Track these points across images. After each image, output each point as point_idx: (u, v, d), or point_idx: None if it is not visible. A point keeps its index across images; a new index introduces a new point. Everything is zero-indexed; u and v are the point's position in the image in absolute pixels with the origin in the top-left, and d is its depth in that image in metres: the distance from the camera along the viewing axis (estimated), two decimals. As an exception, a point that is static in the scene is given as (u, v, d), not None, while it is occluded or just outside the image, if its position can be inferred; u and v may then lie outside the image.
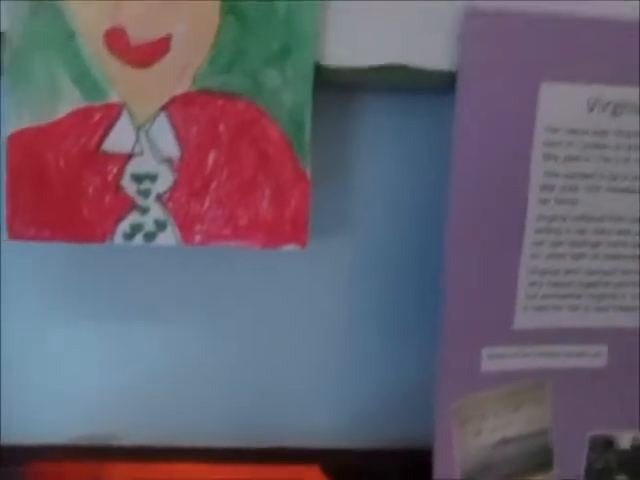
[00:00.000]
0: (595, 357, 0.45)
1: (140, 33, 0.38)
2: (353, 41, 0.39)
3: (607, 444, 0.47)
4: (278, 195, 0.41)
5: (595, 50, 0.40)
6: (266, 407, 0.48)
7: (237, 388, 0.48)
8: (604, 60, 0.40)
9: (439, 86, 0.40)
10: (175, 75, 0.38)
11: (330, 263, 0.45)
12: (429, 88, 0.41)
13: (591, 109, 0.41)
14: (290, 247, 0.41)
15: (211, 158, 0.40)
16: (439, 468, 0.44)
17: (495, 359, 0.44)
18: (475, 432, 0.45)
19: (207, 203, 0.40)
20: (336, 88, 0.42)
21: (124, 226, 0.40)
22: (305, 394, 0.48)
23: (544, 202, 0.41)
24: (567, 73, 0.40)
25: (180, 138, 0.39)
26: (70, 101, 0.38)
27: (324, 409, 0.48)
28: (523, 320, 0.43)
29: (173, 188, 0.40)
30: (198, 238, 0.41)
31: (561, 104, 0.40)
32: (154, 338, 0.46)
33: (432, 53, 0.39)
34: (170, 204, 0.40)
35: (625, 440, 0.47)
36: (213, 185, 0.40)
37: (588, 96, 0.40)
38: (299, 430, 0.48)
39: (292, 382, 0.48)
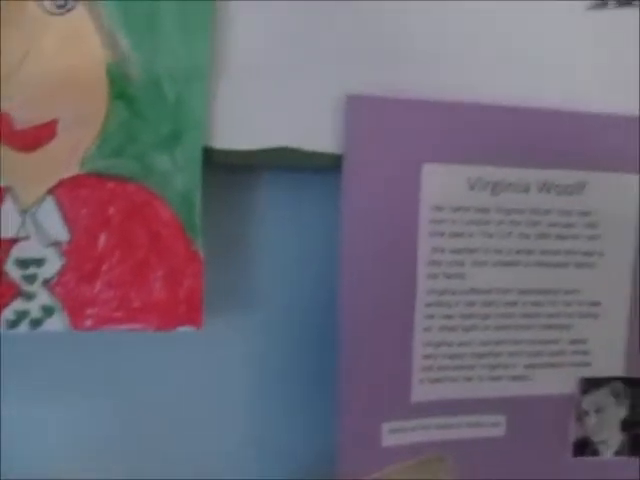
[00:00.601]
0: (493, 427, 0.46)
1: (25, 117, 0.37)
2: (243, 124, 0.40)
3: None
4: (171, 277, 0.40)
5: (474, 133, 0.43)
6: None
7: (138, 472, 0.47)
8: (483, 142, 0.43)
9: (329, 167, 0.42)
10: (62, 159, 0.38)
11: (229, 341, 0.45)
12: (320, 169, 0.43)
13: (472, 188, 0.43)
14: (185, 329, 0.41)
15: (101, 240, 0.39)
16: None
17: (396, 433, 0.44)
18: (378, 511, 0.45)
19: (98, 286, 0.39)
20: (231, 168, 0.43)
21: (8, 313, 0.38)
22: (206, 473, 0.48)
23: (433, 277, 0.43)
24: (448, 154, 0.42)
25: (68, 221, 0.38)
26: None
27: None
28: (420, 393, 0.44)
29: (61, 272, 0.39)
30: (89, 322, 0.39)
31: (443, 183, 0.42)
32: (54, 419, 0.45)
33: (319, 136, 0.41)
34: (58, 288, 0.39)
35: None
36: (104, 268, 0.40)
37: (469, 175, 0.43)
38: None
39: (192, 460, 0.47)
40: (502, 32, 0.42)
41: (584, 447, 0.47)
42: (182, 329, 0.40)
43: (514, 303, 0.44)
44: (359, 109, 0.41)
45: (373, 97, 0.41)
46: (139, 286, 0.40)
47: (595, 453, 0.48)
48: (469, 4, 0.41)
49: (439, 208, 0.42)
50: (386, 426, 0.43)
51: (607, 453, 0.48)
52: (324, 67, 0.40)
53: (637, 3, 0.44)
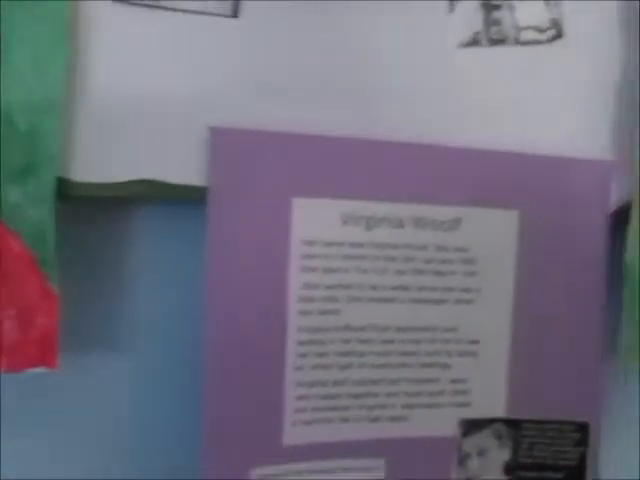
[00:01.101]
0: (372, 470, 0.44)
1: None
2: (102, 157, 0.39)
3: None
4: (24, 315, 0.38)
5: (346, 167, 0.42)
6: None
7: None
8: (356, 176, 0.42)
9: (195, 200, 0.41)
10: None
11: (90, 382, 0.43)
12: (191, 201, 0.42)
13: (345, 222, 0.43)
14: (39, 369, 0.39)
15: (-51, 276, 0.39)
16: None
17: (266, 479, 0.43)
18: None
19: (-54, 324, 0.39)
20: (100, 201, 0.41)
21: None
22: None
23: (305, 314, 0.41)
24: (319, 189, 0.41)
25: None
26: None
27: None
28: (293, 435, 0.42)
29: None
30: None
31: (315, 218, 0.41)
32: None
33: (186, 168, 0.40)
34: None
35: None
36: (-47, 305, 0.39)
37: (341, 210, 0.42)
38: None
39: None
40: (371, 64, 0.43)
41: (467, 491, 0.47)
42: (35, 370, 0.38)
43: (391, 341, 0.43)
44: (223, 142, 0.40)
45: (237, 130, 0.40)
46: (-11, 326, 0.39)
47: (479, 501, 0.47)
48: (334, 37, 0.41)
49: (311, 243, 0.41)
50: (256, 472, 0.41)
51: None
52: (192, 99, 0.39)
53: (511, 43, 0.46)
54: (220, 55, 0.40)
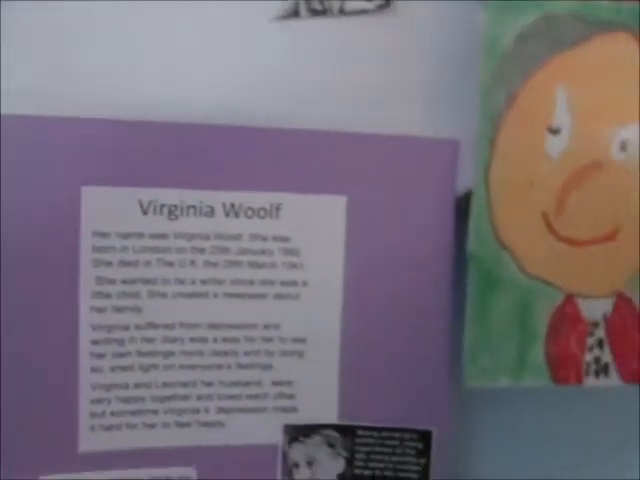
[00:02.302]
0: None
1: None
2: None
3: None
4: None
5: (147, 153, 0.38)
6: None
7: None
8: (156, 162, 0.38)
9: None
10: None
11: None
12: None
13: (145, 212, 0.39)
14: None
15: None
16: None
17: None
18: None
19: None
20: None
21: None
22: None
23: (100, 310, 0.38)
24: (113, 176, 0.38)
25: None
26: None
27: None
28: (90, 442, 0.38)
29: None
30: None
31: (110, 208, 0.38)
32: None
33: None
34: None
35: None
36: None
37: (140, 198, 0.39)
38: None
39: None
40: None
41: (296, 504, 0.43)
42: None
43: (203, 339, 0.39)
44: (11, 128, 0.38)
45: (24, 116, 0.37)
46: None
47: (309, 511, 0.43)
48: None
49: (104, 234, 0.38)
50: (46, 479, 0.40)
51: None
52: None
53: (334, 14, 0.42)
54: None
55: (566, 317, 0.43)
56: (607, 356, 0.43)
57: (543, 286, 0.42)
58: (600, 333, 0.43)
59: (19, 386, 0.38)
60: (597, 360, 0.43)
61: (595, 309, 0.43)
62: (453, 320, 0.42)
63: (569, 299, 0.43)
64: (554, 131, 0.42)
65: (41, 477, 0.38)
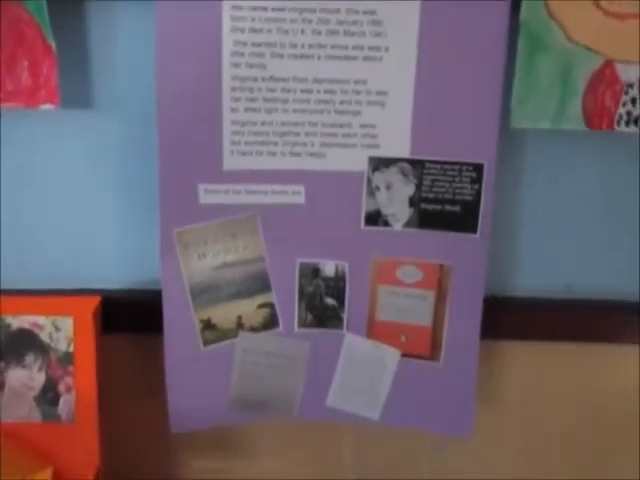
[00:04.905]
0: (295, 195, 0.55)
1: None
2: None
3: (315, 271, 0.57)
4: (33, 66, 0.53)
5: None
6: None
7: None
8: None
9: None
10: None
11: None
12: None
13: (268, -9, 0.51)
14: (46, 107, 0.53)
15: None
16: (167, 284, 0.54)
17: (210, 194, 0.55)
18: (199, 255, 0.56)
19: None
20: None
21: None
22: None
23: (236, 65, 0.52)
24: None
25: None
26: None
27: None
28: (231, 163, 0.54)
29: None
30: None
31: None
32: None
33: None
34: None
35: (329, 268, 0.56)
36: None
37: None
38: None
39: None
40: None
41: (376, 218, 0.55)
42: (43, 107, 0.53)
43: (309, 90, 0.53)
44: None
45: None
46: (11, 74, 0.53)
47: (386, 224, 0.55)
48: None
49: (239, 7, 0.51)
50: (202, 187, 0.54)
51: (397, 225, 0.55)
52: None
53: None
54: None
55: (604, 78, 0.51)
56: (638, 111, 0.51)
57: (585, 52, 0.51)
58: (635, 92, 0.51)
59: (177, 125, 0.52)
60: (629, 113, 0.52)
61: (632, 72, 0.51)
62: (505, 78, 0.52)
63: (608, 63, 0.51)
64: None
65: (199, 184, 0.54)
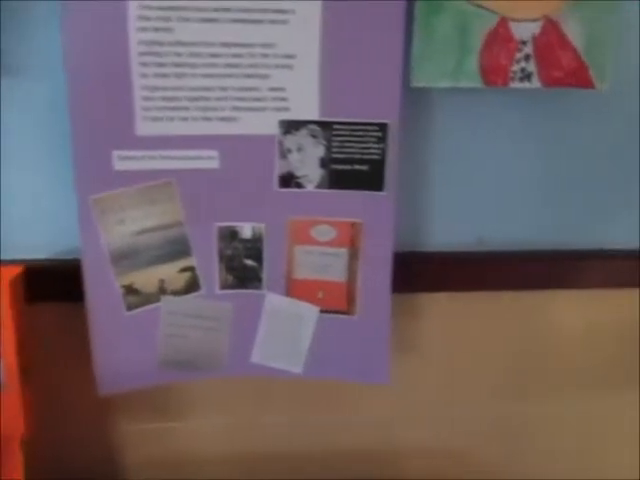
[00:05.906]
0: (209, 160, 0.56)
1: None
2: None
3: (233, 234, 0.58)
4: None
5: None
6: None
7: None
8: None
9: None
10: None
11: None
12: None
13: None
14: None
15: None
16: (86, 251, 0.54)
17: (125, 160, 0.55)
18: (118, 221, 0.56)
19: None
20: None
21: None
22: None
23: (143, 30, 0.52)
24: None
25: None
26: None
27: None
28: (143, 129, 0.54)
29: None
30: None
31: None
32: None
33: None
34: None
35: (247, 230, 0.58)
36: None
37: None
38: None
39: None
40: None
41: (289, 180, 0.57)
42: None
43: (218, 55, 0.54)
44: None
45: None
46: None
47: (299, 185, 0.57)
48: None
49: (142, -29, 0.52)
50: (116, 153, 0.55)
51: (309, 186, 0.57)
52: None
53: None
54: None
55: (499, 36, 0.54)
56: (532, 67, 0.54)
57: (481, 11, 0.53)
58: (528, 49, 0.54)
59: (86, 87, 0.52)
60: (522, 70, 0.54)
61: (525, 30, 0.54)
62: (406, 39, 0.53)
63: (503, 22, 0.53)
64: None
65: (112, 150, 0.55)
